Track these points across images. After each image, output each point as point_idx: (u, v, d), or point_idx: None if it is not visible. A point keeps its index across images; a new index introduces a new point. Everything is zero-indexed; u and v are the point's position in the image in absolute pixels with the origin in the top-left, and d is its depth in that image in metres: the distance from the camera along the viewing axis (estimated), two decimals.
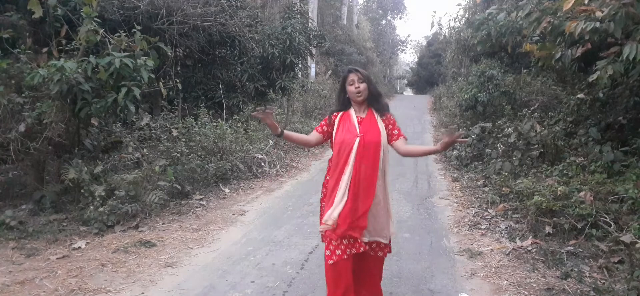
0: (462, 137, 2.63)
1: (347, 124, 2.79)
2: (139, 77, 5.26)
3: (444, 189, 7.09)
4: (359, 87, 2.76)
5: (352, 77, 2.78)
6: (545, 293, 3.47)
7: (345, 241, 2.71)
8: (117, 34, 5.56)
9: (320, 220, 2.84)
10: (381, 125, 2.78)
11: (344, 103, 2.86)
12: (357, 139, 2.71)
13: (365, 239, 2.76)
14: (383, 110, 2.83)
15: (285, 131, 2.86)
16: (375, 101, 2.84)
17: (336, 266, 2.71)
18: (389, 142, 2.81)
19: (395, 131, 2.81)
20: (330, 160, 2.87)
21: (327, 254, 2.75)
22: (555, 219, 4.63)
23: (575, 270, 3.79)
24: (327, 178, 2.89)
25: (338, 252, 2.70)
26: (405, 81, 45.81)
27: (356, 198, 2.69)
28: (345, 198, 2.68)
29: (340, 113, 2.86)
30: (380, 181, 2.75)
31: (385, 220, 2.82)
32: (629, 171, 5.21)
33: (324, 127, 2.91)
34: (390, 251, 2.96)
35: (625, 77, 5.49)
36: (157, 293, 3.46)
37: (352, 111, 2.83)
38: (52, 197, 5.24)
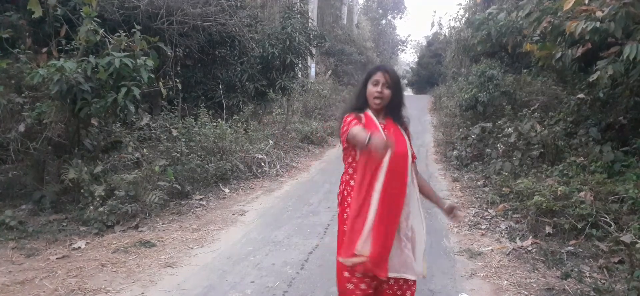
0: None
1: (372, 128, 2.21)
2: (138, 77, 5.26)
3: (444, 189, 7.08)
4: (382, 92, 2.24)
5: (379, 77, 2.26)
6: (545, 293, 3.46)
7: (357, 275, 2.19)
8: (117, 34, 5.56)
9: (339, 249, 2.25)
10: (405, 135, 2.31)
11: (361, 103, 2.34)
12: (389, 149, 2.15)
13: (390, 275, 2.17)
14: (403, 122, 2.36)
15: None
16: (396, 111, 2.33)
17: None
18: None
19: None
20: (345, 173, 2.30)
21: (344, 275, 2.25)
22: (555, 219, 4.63)
23: (576, 270, 3.79)
24: (345, 194, 2.27)
25: (349, 286, 2.21)
26: (405, 81, 45.74)
27: (387, 224, 2.15)
28: (373, 223, 2.13)
29: (364, 114, 2.30)
30: (409, 200, 2.24)
31: (414, 250, 2.24)
32: (629, 171, 5.21)
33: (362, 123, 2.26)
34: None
35: (626, 77, 5.49)
36: (157, 293, 3.45)
37: (371, 114, 2.30)
38: (52, 197, 5.24)
